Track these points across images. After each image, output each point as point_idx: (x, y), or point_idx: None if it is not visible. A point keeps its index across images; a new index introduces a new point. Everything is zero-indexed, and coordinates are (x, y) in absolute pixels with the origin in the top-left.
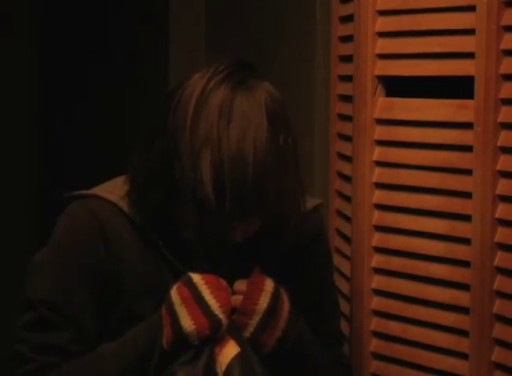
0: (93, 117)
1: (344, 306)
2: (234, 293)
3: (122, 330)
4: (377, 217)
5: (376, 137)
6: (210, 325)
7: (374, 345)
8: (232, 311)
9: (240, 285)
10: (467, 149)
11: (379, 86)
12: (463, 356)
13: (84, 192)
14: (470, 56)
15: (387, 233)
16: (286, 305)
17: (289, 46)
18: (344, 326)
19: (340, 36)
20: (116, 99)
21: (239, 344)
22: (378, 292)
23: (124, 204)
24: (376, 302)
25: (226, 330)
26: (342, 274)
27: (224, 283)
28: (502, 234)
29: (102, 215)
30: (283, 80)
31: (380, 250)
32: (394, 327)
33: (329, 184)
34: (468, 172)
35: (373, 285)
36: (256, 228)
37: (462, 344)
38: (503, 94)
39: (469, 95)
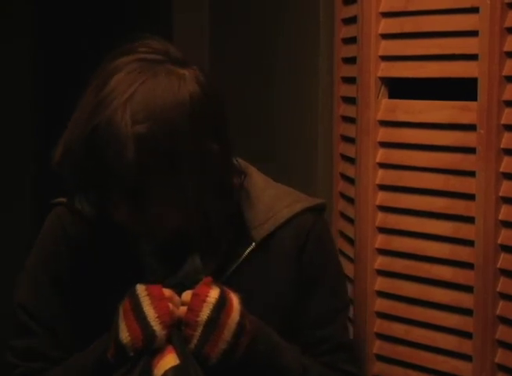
0: None
1: None
2: (183, 304)
3: (99, 331)
4: (381, 219)
5: (379, 139)
6: (143, 337)
7: (377, 346)
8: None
9: (186, 296)
10: (470, 151)
11: (382, 88)
12: (467, 357)
13: (59, 199)
14: (473, 57)
15: (390, 235)
16: (232, 317)
17: (292, 48)
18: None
19: (344, 38)
20: None
21: (181, 356)
22: (381, 294)
23: (85, 207)
24: (380, 304)
25: (166, 341)
26: (345, 276)
27: (168, 293)
28: (505, 236)
29: (66, 221)
30: (286, 82)
31: (383, 252)
32: (398, 329)
33: (333, 186)
34: (471, 174)
35: (377, 287)
36: (174, 222)
37: (465, 346)
38: (507, 96)
39: (472, 97)
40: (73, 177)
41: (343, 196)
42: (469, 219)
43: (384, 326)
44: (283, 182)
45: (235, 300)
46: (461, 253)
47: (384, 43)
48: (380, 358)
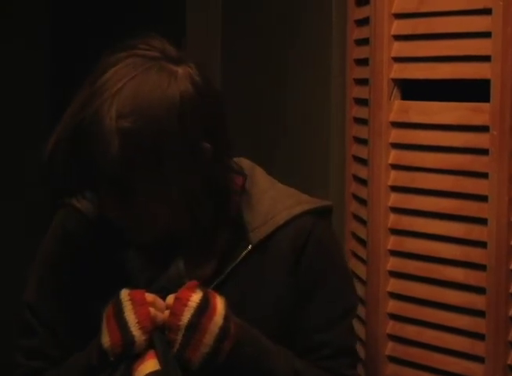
0: None
1: (360, 309)
2: (167, 308)
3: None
4: (393, 220)
5: (391, 140)
6: (123, 342)
7: (390, 348)
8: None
9: (169, 300)
10: (483, 152)
11: (395, 89)
12: (479, 359)
13: (64, 200)
14: (486, 59)
15: (402, 236)
16: (215, 321)
17: (304, 49)
18: (360, 329)
19: (356, 39)
20: None
21: (163, 361)
22: (394, 295)
23: (87, 208)
24: (392, 305)
25: (148, 346)
26: (358, 277)
27: (151, 298)
28: None
29: (66, 220)
30: (299, 83)
31: (395, 253)
32: (410, 331)
33: (345, 187)
34: (484, 176)
35: (389, 288)
36: (163, 220)
37: (477, 347)
38: None
39: (485, 98)
40: (64, 170)
41: (355, 197)
42: (481, 221)
43: (397, 327)
44: (295, 184)
45: (219, 304)
46: (473, 254)
47: (396, 44)
48: (393, 359)
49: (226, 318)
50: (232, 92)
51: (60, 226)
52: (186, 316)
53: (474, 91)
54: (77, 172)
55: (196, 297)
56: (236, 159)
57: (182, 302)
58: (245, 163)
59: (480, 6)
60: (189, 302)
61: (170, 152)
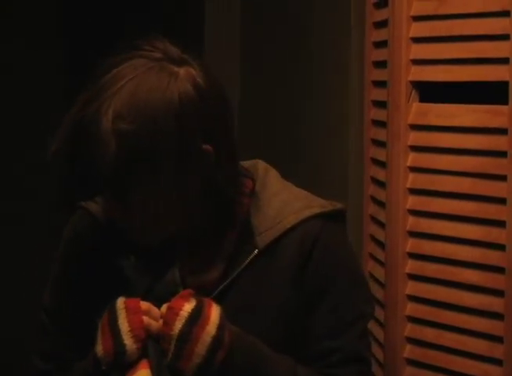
0: None
1: (379, 312)
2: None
3: None
4: (411, 223)
5: (410, 143)
6: (114, 351)
7: (408, 350)
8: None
9: (163, 309)
10: (501, 154)
11: (413, 92)
12: (497, 362)
13: (80, 203)
14: (504, 61)
15: (421, 239)
16: (207, 330)
17: (322, 52)
18: (379, 332)
19: (375, 41)
20: None
21: (155, 371)
22: (412, 298)
23: (98, 211)
24: (411, 308)
25: (142, 355)
26: (376, 280)
27: (145, 306)
28: None
29: (77, 223)
30: (317, 85)
31: (414, 256)
32: (429, 333)
33: (364, 190)
34: (502, 178)
35: (408, 291)
36: (163, 222)
37: (496, 350)
38: None
39: (503, 100)
40: (67, 171)
41: (373, 200)
42: (500, 223)
43: (415, 330)
44: (313, 186)
45: (213, 313)
46: (492, 257)
47: (414, 47)
48: (411, 362)
49: (220, 327)
50: (251, 96)
51: (71, 228)
52: (178, 326)
53: (493, 93)
54: (80, 173)
55: (188, 306)
56: (251, 161)
57: (173, 311)
58: (260, 165)
59: (498, 8)
60: (181, 312)
61: (167, 153)
